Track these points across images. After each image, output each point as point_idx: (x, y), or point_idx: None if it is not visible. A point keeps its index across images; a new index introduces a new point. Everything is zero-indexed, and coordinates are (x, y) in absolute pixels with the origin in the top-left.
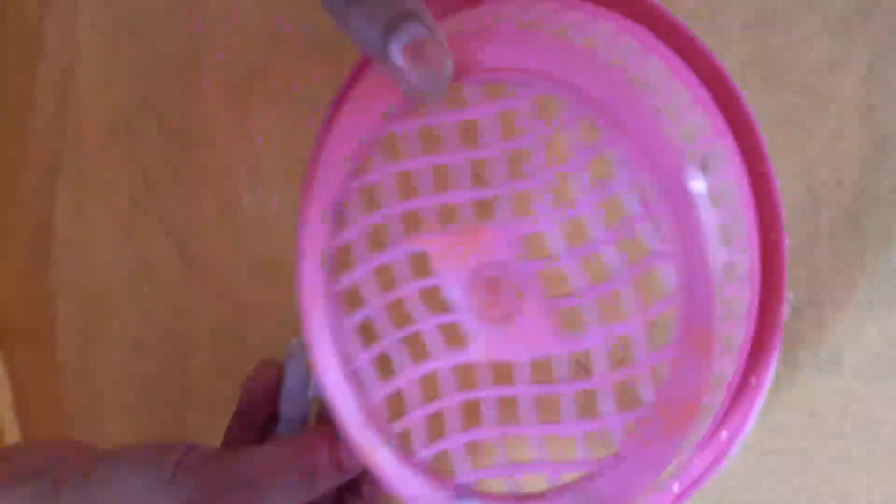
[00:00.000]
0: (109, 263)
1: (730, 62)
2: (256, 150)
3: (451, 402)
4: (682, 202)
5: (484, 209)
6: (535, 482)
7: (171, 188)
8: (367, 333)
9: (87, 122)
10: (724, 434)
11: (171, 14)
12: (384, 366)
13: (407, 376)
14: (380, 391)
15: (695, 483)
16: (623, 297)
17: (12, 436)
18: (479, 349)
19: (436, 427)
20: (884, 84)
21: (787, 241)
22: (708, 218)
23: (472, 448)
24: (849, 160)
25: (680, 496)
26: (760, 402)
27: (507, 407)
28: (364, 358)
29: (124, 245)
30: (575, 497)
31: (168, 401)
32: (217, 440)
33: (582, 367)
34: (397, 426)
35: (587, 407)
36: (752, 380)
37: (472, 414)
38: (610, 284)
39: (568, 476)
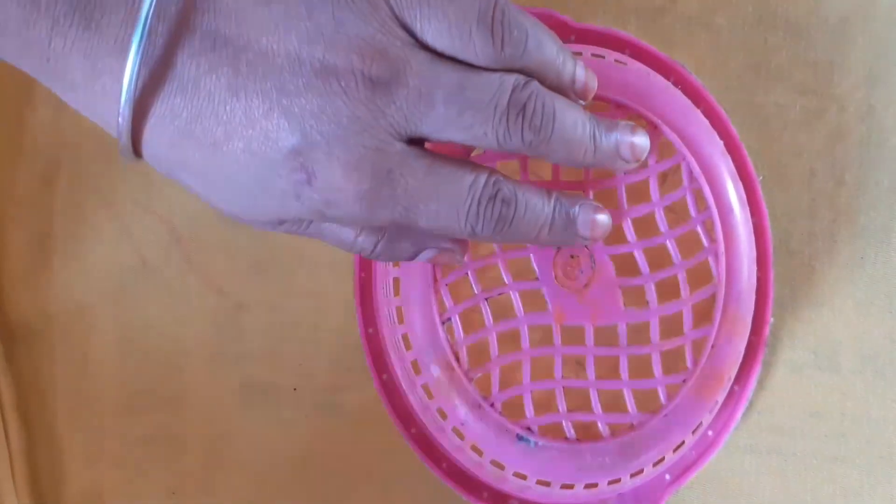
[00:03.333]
0: (109, 263)
1: (730, 63)
2: None
3: (524, 355)
4: (725, 208)
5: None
6: (588, 429)
7: (171, 188)
8: (458, 292)
9: (87, 122)
10: (710, 433)
11: None
12: (470, 321)
13: (490, 330)
14: (466, 340)
15: (684, 473)
16: (678, 282)
17: (14, 435)
18: (554, 313)
19: (509, 376)
20: (883, 84)
21: (773, 275)
22: (741, 223)
23: (537, 396)
24: (849, 160)
25: (671, 484)
26: (743, 407)
27: (570, 364)
28: (455, 310)
29: (124, 245)
30: (620, 443)
31: (167, 400)
32: (217, 440)
33: (580, 367)
34: (477, 372)
35: (637, 370)
36: (736, 388)
37: (539, 367)
38: (668, 272)
39: (616, 426)
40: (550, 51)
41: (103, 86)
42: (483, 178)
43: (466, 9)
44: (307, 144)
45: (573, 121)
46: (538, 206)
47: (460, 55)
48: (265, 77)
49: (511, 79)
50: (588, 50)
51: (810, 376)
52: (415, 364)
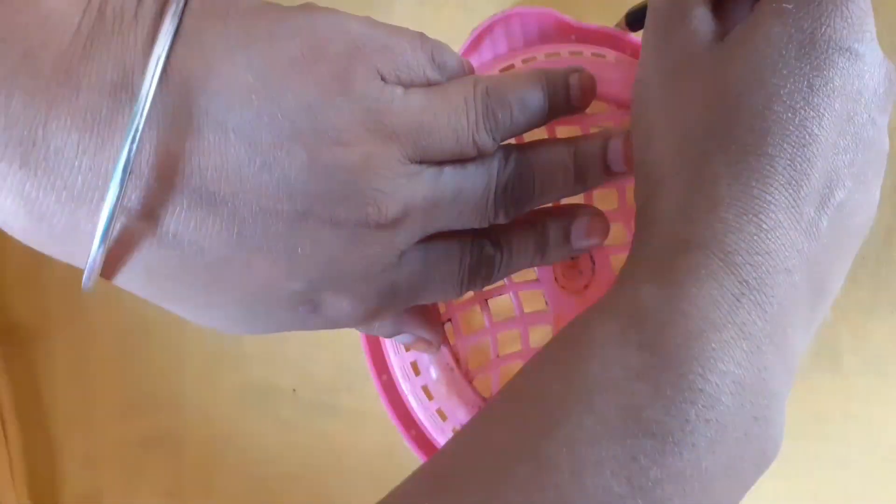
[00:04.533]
0: None
1: None
2: None
3: (524, 356)
4: None
5: (574, 200)
6: None
7: None
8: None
9: None
10: None
11: None
12: (470, 322)
13: (490, 332)
14: (466, 341)
15: None
16: None
17: (13, 436)
18: (554, 315)
19: (508, 377)
20: None
21: None
22: None
23: None
24: None
25: None
26: None
27: None
28: (455, 311)
29: None
30: None
31: (166, 401)
32: (216, 441)
33: None
34: (478, 372)
35: None
36: None
37: None
38: None
39: None
40: (535, 102)
41: (66, 230)
42: (468, 247)
43: (468, 118)
44: (314, 287)
45: (552, 170)
46: (524, 248)
47: (460, 157)
48: (266, 235)
49: (495, 166)
50: (588, 49)
51: (812, 378)
52: (414, 365)
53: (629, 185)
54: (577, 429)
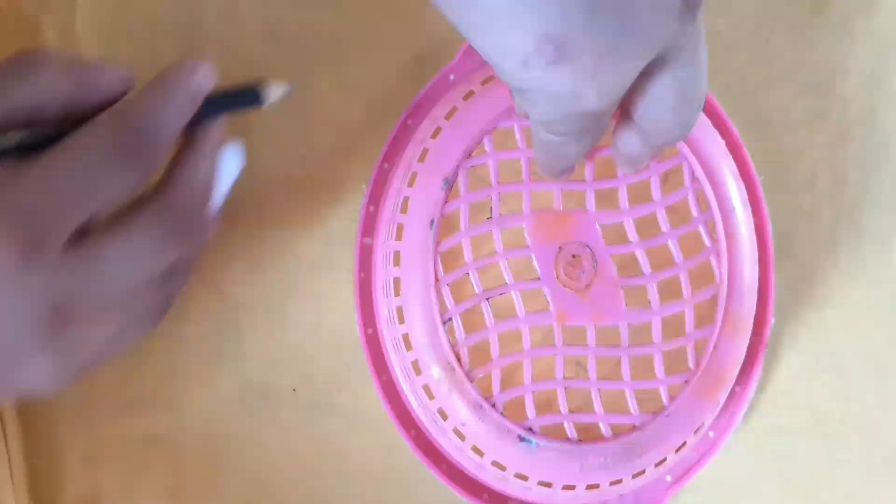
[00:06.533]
0: None
1: (732, 63)
2: (254, 148)
3: (525, 356)
4: (726, 209)
5: (575, 198)
6: (589, 430)
7: None
8: (459, 291)
9: None
10: (711, 434)
11: (170, 12)
12: (471, 321)
13: (492, 331)
14: (467, 340)
15: (685, 474)
16: (680, 282)
17: (12, 437)
18: (555, 314)
19: (510, 377)
20: (885, 85)
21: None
22: (743, 224)
23: (538, 397)
24: (850, 161)
25: (672, 485)
26: (744, 408)
27: (571, 364)
28: (456, 310)
29: None
30: (622, 444)
31: (166, 401)
32: (215, 441)
33: (581, 368)
34: (479, 372)
35: (639, 370)
36: (737, 389)
37: (541, 368)
38: (669, 272)
39: (618, 426)
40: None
41: None
42: None
43: None
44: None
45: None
46: None
47: None
48: None
49: None
50: None
51: (812, 377)
52: (415, 364)
53: (630, 184)
54: None
